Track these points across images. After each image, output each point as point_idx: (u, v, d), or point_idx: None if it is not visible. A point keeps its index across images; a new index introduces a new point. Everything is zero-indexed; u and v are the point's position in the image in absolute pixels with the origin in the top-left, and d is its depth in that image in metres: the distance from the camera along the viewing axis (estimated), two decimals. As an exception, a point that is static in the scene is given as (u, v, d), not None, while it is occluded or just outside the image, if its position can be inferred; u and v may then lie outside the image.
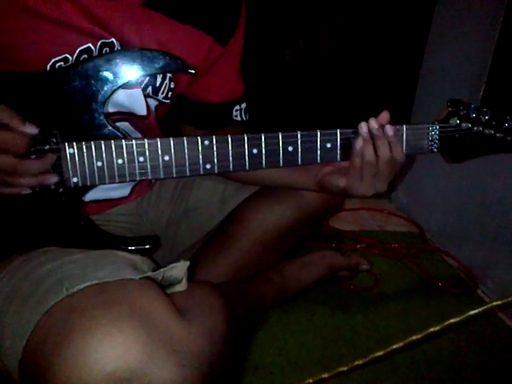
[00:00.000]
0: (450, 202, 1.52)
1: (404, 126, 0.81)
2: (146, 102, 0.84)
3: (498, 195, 1.30)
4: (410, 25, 1.98)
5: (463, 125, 0.83)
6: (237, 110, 0.99)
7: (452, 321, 0.72)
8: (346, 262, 1.20)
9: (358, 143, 0.77)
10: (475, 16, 1.43)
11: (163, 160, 0.71)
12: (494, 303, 0.75)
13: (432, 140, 0.83)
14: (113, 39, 0.75)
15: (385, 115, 0.78)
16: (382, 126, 0.77)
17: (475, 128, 0.83)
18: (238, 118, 1.00)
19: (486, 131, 0.83)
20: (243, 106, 1.00)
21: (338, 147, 0.79)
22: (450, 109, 0.83)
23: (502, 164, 1.28)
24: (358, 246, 1.48)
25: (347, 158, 0.80)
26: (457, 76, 1.48)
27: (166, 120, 0.94)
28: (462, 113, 0.82)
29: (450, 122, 0.83)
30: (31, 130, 0.64)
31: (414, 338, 0.74)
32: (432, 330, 0.73)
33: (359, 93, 2.26)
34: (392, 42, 2.18)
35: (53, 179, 0.68)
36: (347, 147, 0.79)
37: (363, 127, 0.77)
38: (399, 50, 2.08)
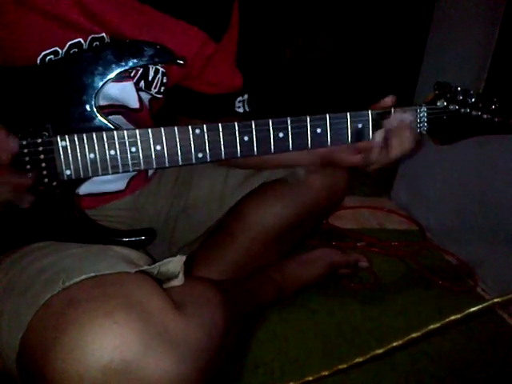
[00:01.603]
0: (450, 199, 1.52)
1: (392, 109, 0.82)
2: (139, 95, 0.84)
3: (497, 193, 1.30)
4: (410, 22, 1.98)
5: (451, 107, 0.83)
6: (240, 102, 1.00)
7: (452, 318, 0.72)
8: (346, 260, 1.21)
9: (379, 135, 0.81)
10: (475, 13, 1.43)
11: (155, 150, 0.71)
12: (494, 300, 0.74)
13: (421, 122, 0.84)
14: (103, 34, 0.75)
15: (388, 100, 0.82)
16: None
17: (462, 110, 0.83)
18: (241, 110, 1.00)
19: (474, 113, 0.84)
20: (245, 97, 1.01)
21: (328, 132, 0.80)
22: (436, 92, 0.84)
23: (501, 161, 1.28)
24: (358, 244, 1.48)
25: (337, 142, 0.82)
26: (457, 74, 1.48)
27: (160, 114, 0.95)
28: (448, 95, 0.83)
29: (438, 104, 0.84)
30: (13, 144, 0.64)
31: (414, 335, 0.74)
32: (432, 327, 0.73)
33: (359, 91, 2.26)
34: (392, 40, 2.18)
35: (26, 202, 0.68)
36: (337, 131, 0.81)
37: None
38: (399, 47, 2.09)
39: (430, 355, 1.03)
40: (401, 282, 1.32)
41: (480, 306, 0.72)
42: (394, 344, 0.75)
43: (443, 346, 1.06)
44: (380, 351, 0.76)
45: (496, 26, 1.32)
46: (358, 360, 0.78)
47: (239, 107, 1.00)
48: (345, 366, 0.81)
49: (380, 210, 1.74)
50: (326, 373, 0.83)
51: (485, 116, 0.84)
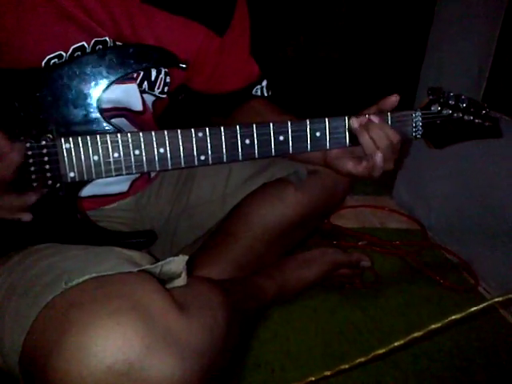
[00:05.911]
0: (452, 199, 1.52)
1: (389, 114, 0.83)
2: (142, 97, 0.84)
3: (499, 192, 1.30)
4: (412, 22, 1.98)
5: (444, 111, 0.86)
6: (257, 90, 1.01)
7: (453, 317, 0.72)
8: (347, 259, 1.20)
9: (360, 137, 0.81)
10: (476, 14, 1.42)
11: (158, 152, 0.72)
12: (495, 300, 0.75)
13: (416, 126, 0.86)
14: (106, 37, 0.76)
15: (393, 98, 0.83)
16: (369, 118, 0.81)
17: (455, 114, 0.86)
18: (258, 94, 1.02)
19: (466, 117, 0.86)
20: (264, 83, 1.02)
21: (327, 135, 0.82)
22: (430, 97, 0.86)
23: (503, 160, 1.28)
24: (360, 243, 1.48)
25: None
26: (458, 75, 1.48)
27: (164, 116, 0.95)
28: (441, 100, 0.86)
29: (432, 108, 0.86)
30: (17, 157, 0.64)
31: (416, 334, 0.74)
32: (433, 326, 0.73)
33: (361, 90, 2.26)
34: (393, 39, 2.18)
35: (27, 218, 0.68)
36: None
37: (354, 123, 0.81)
38: (401, 46, 2.08)
39: (431, 354, 1.03)
40: (402, 281, 1.31)
41: (481, 306, 0.72)
42: (396, 343, 0.75)
43: (445, 345, 1.06)
44: (381, 351, 0.76)
45: (497, 25, 1.32)
46: (360, 360, 0.78)
47: (256, 92, 1.01)
48: (347, 366, 0.81)
49: (381, 208, 1.74)
50: (329, 373, 0.83)
51: (476, 121, 0.86)
